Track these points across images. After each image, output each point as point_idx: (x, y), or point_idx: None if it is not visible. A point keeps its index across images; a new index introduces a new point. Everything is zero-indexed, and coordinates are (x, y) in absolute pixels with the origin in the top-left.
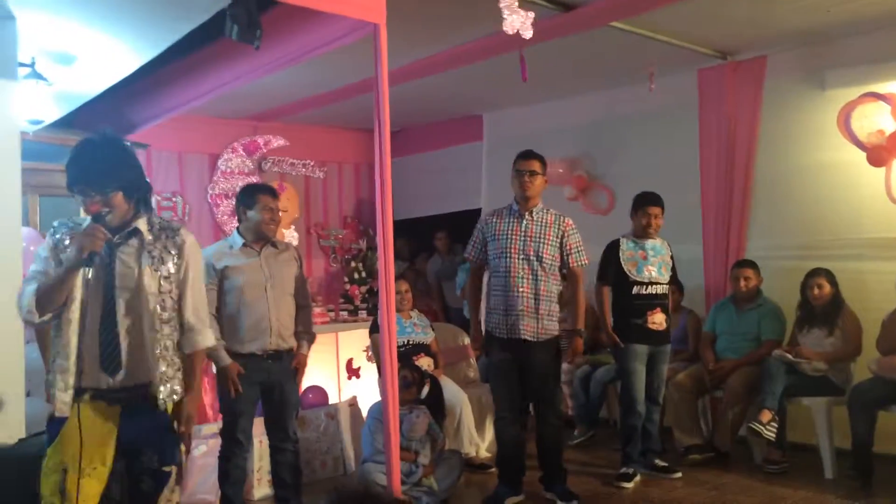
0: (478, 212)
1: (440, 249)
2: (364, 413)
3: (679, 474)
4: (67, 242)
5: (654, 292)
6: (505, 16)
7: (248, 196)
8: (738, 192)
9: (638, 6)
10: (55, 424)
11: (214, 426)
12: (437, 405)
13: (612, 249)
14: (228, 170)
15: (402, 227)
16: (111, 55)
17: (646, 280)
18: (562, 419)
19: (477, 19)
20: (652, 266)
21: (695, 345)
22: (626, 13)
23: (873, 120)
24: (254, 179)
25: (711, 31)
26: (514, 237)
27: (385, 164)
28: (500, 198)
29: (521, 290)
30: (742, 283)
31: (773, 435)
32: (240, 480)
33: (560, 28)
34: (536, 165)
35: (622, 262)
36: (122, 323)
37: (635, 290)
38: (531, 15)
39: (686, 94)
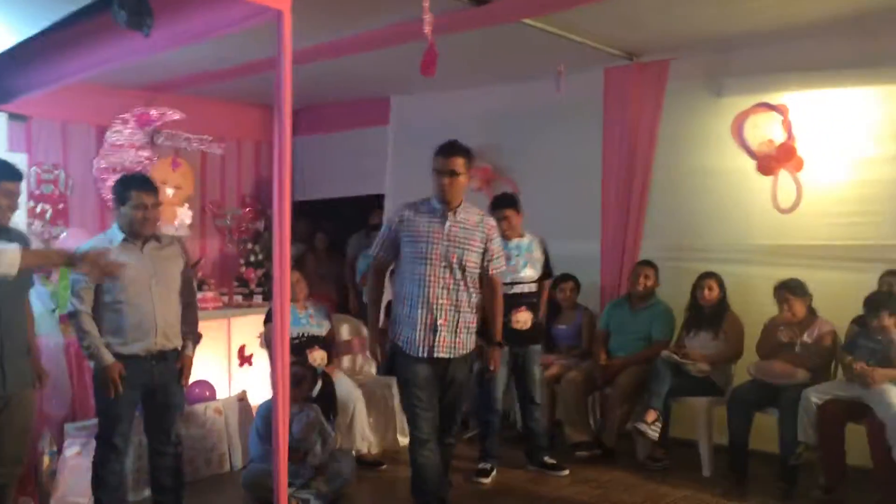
0: (382, 197)
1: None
2: (254, 407)
3: (566, 472)
4: None
5: (517, 291)
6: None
7: (121, 190)
8: (637, 192)
9: (549, 5)
10: None
11: (89, 424)
12: (328, 403)
13: None
14: (118, 142)
15: (303, 209)
16: None
17: (508, 280)
18: (455, 437)
19: (388, 5)
20: (516, 266)
21: (588, 342)
22: (537, 11)
23: (765, 129)
24: (145, 154)
25: (620, 32)
26: (435, 241)
27: (284, 155)
28: (405, 184)
29: (440, 301)
30: (641, 281)
31: (657, 435)
32: (115, 486)
33: (471, 21)
34: (459, 164)
35: None
36: None
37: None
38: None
39: (592, 92)
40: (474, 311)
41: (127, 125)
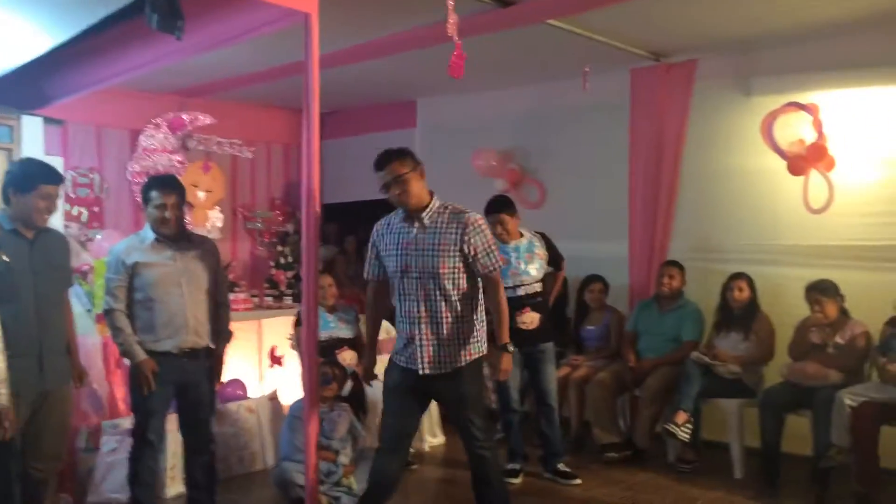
0: None
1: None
2: (285, 406)
3: (579, 481)
4: None
5: (521, 293)
6: (449, 18)
7: (145, 191)
8: (664, 192)
9: (574, 6)
10: None
11: (125, 421)
12: (359, 402)
13: None
14: (150, 146)
15: (332, 211)
16: (20, 35)
17: (511, 284)
18: (488, 447)
19: (414, 8)
20: (517, 268)
21: (617, 342)
22: (563, 12)
23: (795, 129)
24: (177, 158)
25: (646, 33)
26: (403, 252)
27: (313, 155)
28: (432, 186)
29: (418, 314)
30: (666, 281)
31: (688, 436)
32: (150, 483)
33: (496, 23)
34: (399, 168)
35: None
36: None
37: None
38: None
39: (619, 93)
40: (466, 320)
41: (159, 129)
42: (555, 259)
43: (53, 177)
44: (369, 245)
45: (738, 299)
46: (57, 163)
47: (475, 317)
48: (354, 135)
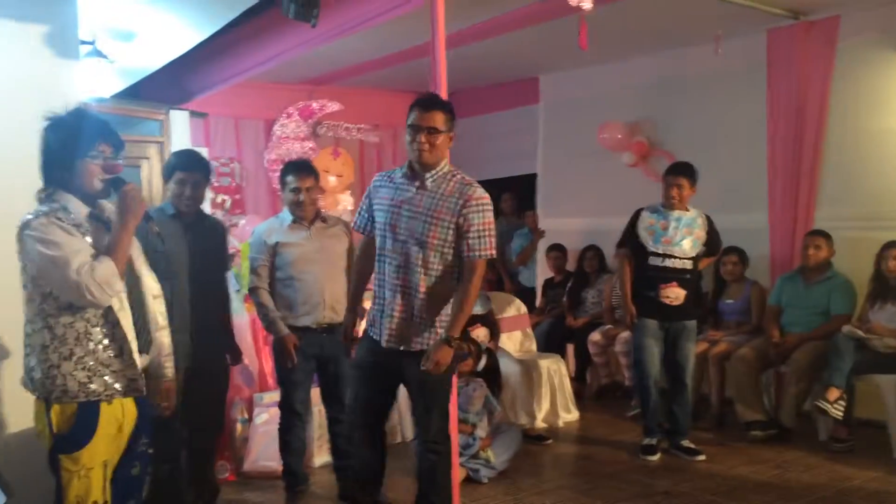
0: (533, 177)
1: (506, 212)
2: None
3: (703, 457)
4: None
5: (669, 265)
6: None
7: (282, 176)
8: (807, 158)
9: None
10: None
11: (276, 394)
12: (493, 378)
13: (633, 218)
14: (284, 135)
15: None
16: (170, 31)
17: (661, 252)
18: (441, 451)
19: None
20: (672, 238)
21: (758, 317)
22: None
23: None
24: (309, 145)
25: None
26: (395, 210)
27: None
28: (557, 162)
29: (394, 282)
30: (812, 252)
31: (841, 413)
32: (300, 450)
33: None
34: (440, 120)
35: (639, 231)
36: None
37: (651, 260)
38: None
39: (754, 56)
40: (442, 300)
41: (291, 118)
42: (713, 245)
43: (189, 164)
44: (365, 194)
45: (893, 269)
46: (202, 154)
47: (445, 301)
48: (477, 114)
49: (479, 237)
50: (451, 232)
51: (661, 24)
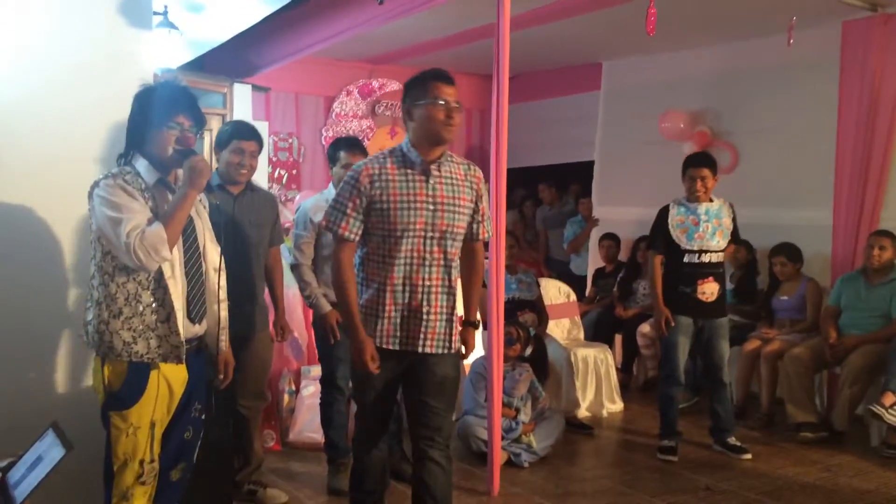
0: (590, 165)
1: (545, 200)
2: (467, 365)
3: (749, 455)
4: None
5: (705, 261)
6: None
7: (332, 151)
8: (877, 157)
9: None
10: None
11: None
12: (540, 364)
13: (662, 215)
14: (343, 112)
15: (511, 176)
16: (239, 4)
17: (696, 248)
18: (448, 456)
19: None
20: (704, 232)
21: (813, 315)
22: None
23: None
24: (367, 123)
25: None
26: (419, 204)
27: (502, 119)
28: (615, 150)
29: (428, 282)
30: (876, 252)
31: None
32: (342, 425)
33: None
34: (454, 92)
35: (671, 229)
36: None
37: (686, 258)
38: None
39: (827, 48)
40: (455, 292)
41: (350, 96)
42: (736, 232)
43: (246, 133)
44: (349, 194)
45: None
46: (262, 127)
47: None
48: (537, 99)
49: (488, 219)
50: (469, 217)
51: (731, 13)
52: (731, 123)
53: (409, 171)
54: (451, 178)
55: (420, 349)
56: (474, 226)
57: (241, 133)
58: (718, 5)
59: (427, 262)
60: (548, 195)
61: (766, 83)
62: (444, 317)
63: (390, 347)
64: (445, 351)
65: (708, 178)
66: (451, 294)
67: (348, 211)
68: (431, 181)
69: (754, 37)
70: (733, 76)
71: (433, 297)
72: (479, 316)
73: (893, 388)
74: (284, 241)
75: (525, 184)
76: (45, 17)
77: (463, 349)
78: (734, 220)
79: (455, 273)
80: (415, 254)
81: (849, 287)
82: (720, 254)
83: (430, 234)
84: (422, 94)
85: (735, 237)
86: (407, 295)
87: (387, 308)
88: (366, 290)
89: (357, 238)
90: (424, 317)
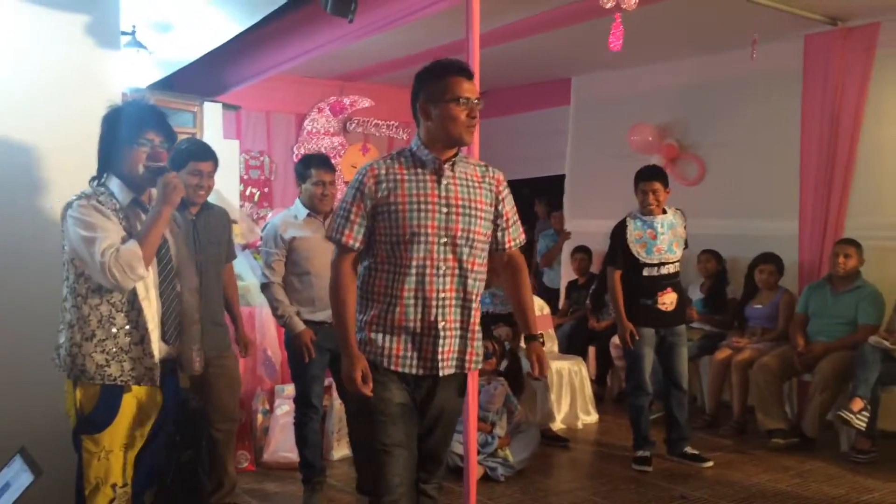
0: (561, 178)
1: (540, 216)
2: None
3: (710, 463)
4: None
5: (664, 272)
6: None
7: (302, 168)
8: (840, 166)
9: None
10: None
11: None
12: (515, 378)
13: (619, 230)
14: (314, 130)
15: None
16: (207, 23)
17: (656, 261)
18: (440, 490)
19: None
20: (662, 244)
21: (785, 325)
22: None
23: None
24: (339, 140)
25: None
26: (431, 206)
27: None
28: (586, 164)
29: (443, 294)
30: (841, 261)
31: (864, 424)
32: (316, 443)
33: None
34: (474, 88)
35: (630, 244)
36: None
37: (646, 271)
38: None
39: (790, 61)
40: (477, 308)
41: (322, 113)
42: (686, 239)
43: (202, 154)
44: (353, 198)
45: None
46: (233, 146)
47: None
48: (508, 114)
49: (517, 223)
50: (489, 223)
51: (697, 28)
52: (698, 136)
53: (419, 170)
54: (467, 180)
55: (440, 371)
56: (499, 233)
57: (197, 154)
58: (683, 21)
59: (440, 272)
60: (542, 210)
61: (731, 96)
62: (459, 333)
63: (400, 370)
64: (457, 370)
65: (659, 191)
66: (466, 308)
67: (351, 217)
68: (444, 181)
69: (720, 51)
70: (700, 90)
71: (447, 310)
72: (536, 329)
73: (861, 394)
74: (255, 258)
75: None
76: (12, 36)
77: (535, 370)
78: (685, 227)
79: (473, 286)
80: (427, 262)
81: (815, 295)
82: (677, 263)
83: (442, 240)
84: (441, 92)
85: (685, 243)
86: (420, 310)
87: (397, 325)
88: (370, 308)
89: (361, 246)
90: (441, 333)
